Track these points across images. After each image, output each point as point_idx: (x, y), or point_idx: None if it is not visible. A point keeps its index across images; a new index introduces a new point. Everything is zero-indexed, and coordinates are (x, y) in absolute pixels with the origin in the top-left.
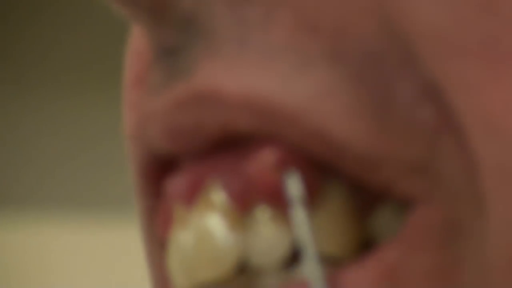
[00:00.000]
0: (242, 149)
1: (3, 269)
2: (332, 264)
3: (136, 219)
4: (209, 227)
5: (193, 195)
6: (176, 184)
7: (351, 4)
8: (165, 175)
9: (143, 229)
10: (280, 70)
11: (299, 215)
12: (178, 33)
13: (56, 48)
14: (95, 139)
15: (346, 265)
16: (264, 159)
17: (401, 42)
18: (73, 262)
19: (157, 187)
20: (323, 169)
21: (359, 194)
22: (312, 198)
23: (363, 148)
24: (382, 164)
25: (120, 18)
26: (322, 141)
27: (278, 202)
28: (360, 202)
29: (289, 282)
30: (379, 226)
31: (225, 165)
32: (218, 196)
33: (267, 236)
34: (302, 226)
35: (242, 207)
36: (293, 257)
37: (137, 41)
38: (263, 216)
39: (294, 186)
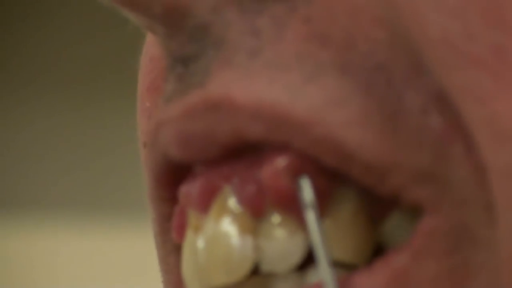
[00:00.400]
0: (255, 156)
1: (6, 272)
2: (345, 269)
3: (142, 223)
4: (223, 233)
5: (207, 202)
6: (190, 190)
7: (362, 14)
8: (180, 181)
9: (157, 234)
10: (290, 80)
11: (312, 219)
12: (191, 42)
13: (64, 53)
14: (102, 143)
15: (358, 269)
16: (276, 165)
17: (411, 52)
18: (77, 266)
19: (172, 193)
20: (334, 176)
21: (371, 200)
22: (324, 204)
23: (373, 157)
24: (391, 172)
25: (130, 25)
26: (331, 149)
27: (291, 208)
28: (372, 208)
29: (302, 287)
30: (391, 232)
31: (238, 172)
32: (232, 202)
33: (280, 241)
34: (315, 230)
35: (255, 213)
36: (306, 261)
37: (152, 48)
38: (276, 222)
39: (306, 190)
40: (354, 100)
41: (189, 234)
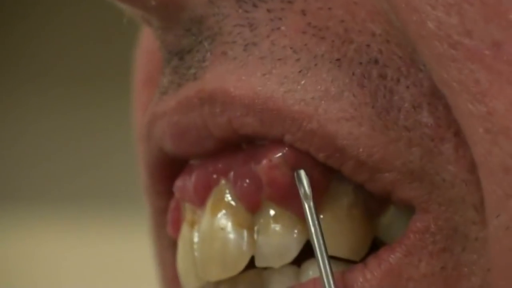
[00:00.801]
0: (251, 150)
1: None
2: (341, 264)
3: (141, 220)
4: (219, 227)
5: (203, 196)
6: (185, 184)
7: (358, 8)
8: (175, 175)
9: (153, 229)
10: (285, 73)
11: (310, 211)
12: (187, 35)
13: (64, 52)
14: (105, 142)
15: (352, 266)
16: (272, 160)
17: (407, 46)
18: (77, 265)
19: (167, 187)
20: (330, 171)
21: (367, 196)
22: (320, 199)
23: (364, 152)
24: (382, 169)
25: (131, 23)
26: (323, 143)
27: (287, 202)
28: (368, 203)
29: (300, 282)
30: (387, 227)
31: (235, 166)
32: (228, 196)
33: (276, 236)
34: (312, 222)
35: (251, 207)
36: (301, 254)
37: (147, 41)
38: (272, 216)
39: (304, 183)
40: (347, 94)
41: (185, 229)
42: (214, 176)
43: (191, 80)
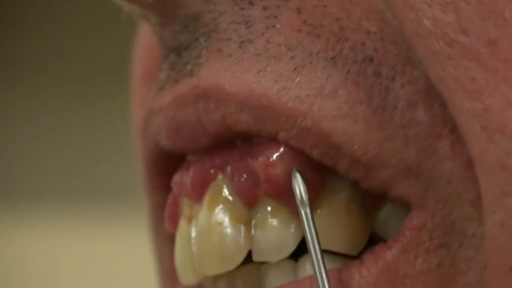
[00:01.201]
0: (248, 147)
1: (2, 267)
2: (339, 259)
3: (140, 217)
4: (216, 222)
5: (201, 191)
6: (183, 179)
7: (353, 6)
8: (173, 170)
9: (151, 224)
10: (280, 70)
11: (304, 212)
12: (183, 31)
13: (64, 51)
14: (105, 140)
15: (349, 263)
16: (270, 156)
17: (402, 44)
18: (78, 264)
19: (165, 182)
20: (328, 166)
21: (364, 191)
22: (317, 194)
23: (359, 150)
24: (377, 167)
25: (129, 20)
26: (317, 140)
27: (284, 198)
28: (366, 199)
29: (297, 280)
30: (384, 222)
31: (232, 161)
32: (225, 191)
33: (273, 231)
34: (307, 224)
35: (248, 202)
36: (298, 249)
37: (146, 38)
38: (269, 211)
39: (300, 187)
40: (342, 91)
41: (182, 224)
42: (212, 171)
43: (187, 76)
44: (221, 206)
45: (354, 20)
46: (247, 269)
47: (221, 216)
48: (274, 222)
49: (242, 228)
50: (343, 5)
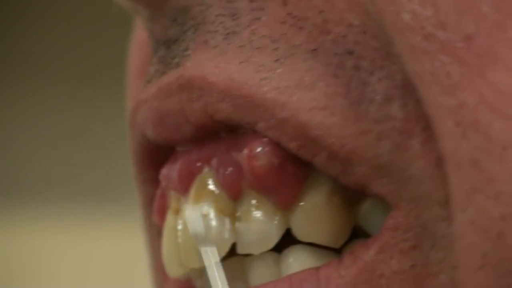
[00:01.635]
0: (234, 139)
1: (2, 266)
2: (322, 252)
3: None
4: (203, 215)
5: (187, 183)
6: (170, 173)
7: None
8: (161, 162)
9: (143, 217)
10: (262, 61)
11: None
12: (173, 25)
13: (63, 50)
14: (101, 137)
15: (330, 259)
16: (254, 148)
17: (382, 38)
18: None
19: (155, 174)
20: (311, 160)
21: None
22: (299, 187)
23: (336, 143)
24: (354, 162)
25: (128, 19)
26: (297, 132)
27: (268, 190)
28: (348, 191)
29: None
30: (367, 215)
31: (218, 154)
32: (211, 184)
33: (257, 223)
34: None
35: (233, 195)
36: (282, 241)
37: (140, 33)
38: (253, 204)
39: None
40: (321, 83)
41: (169, 217)
42: (198, 164)
43: (173, 68)
44: (206, 198)
45: (337, 12)
46: (231, 262)
47: (206, 208)
48: (258, 214)
49: (227, 220)
50: None
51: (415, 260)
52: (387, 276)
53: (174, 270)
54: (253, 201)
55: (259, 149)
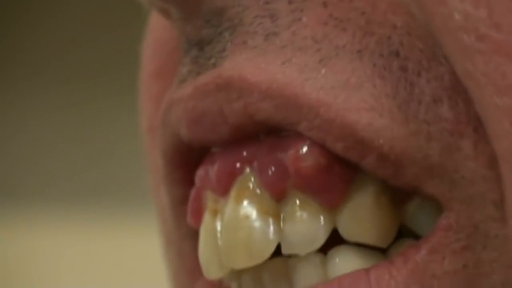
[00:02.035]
0: (274, 141)
1: (2, 267)
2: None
3: (141, 217)
4: (244, 215)
5: (227, 184)
6: (208, 173)
7: (379, 0)
8: (193, 163)
9: (171, 219)
10: (305, 61)
11: None
12: (207, 26)
13: (62, 49)
14: (106, 139)
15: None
16: (300, 149)
17: (429, 39)
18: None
19: (185, 175)
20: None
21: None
22: (345, 188)
23: (385, 143)
24: (404, 163)
25: (131, 21)
26: (343, 132)
27: (313, 191)
28: (395, 191)
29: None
30: (414, 215)
31: (259, 155)
32: (253, 184)
33: (302, 224)
34: None
35: (277, 195)
36: (328, 242)
37: (157, 31)
38: (298, 204)
39: None
40: (368, 84)
41: (207, 218)
42: (238, 164)
43: (210, 69)
44: (248, 199)
45: (380, 14)
46: (275, 263)
47: (249, 209)
48: (303, 214)
49: (271, 221)
50: None
51: (467, 260)
52: (438, 276)
53: (213, 272)
54: (298, 202)
55: (305, 150)
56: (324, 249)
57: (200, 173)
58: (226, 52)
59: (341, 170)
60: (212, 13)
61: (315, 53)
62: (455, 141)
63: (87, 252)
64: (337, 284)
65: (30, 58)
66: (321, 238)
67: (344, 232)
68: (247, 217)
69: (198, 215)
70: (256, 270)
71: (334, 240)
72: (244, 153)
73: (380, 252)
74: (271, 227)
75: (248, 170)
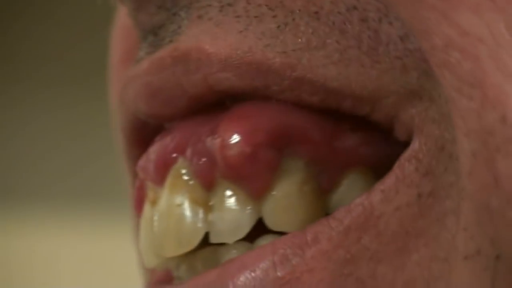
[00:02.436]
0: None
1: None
2: None
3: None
4: (176, 204)
5: (163, 174)
6: (147, 164)
7: None
8: (151, 139)
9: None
10: (262, 29)
11: None
12: (158, 12)
13: (59, 50)
14: (99, 138)
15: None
16: (226, 137)
17: None
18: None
19: (143, 151)
20: (284, 147)
21: (319, 172)
22: (272, 175)
23: (359, 89)
24: (380, 96)
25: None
26: (315, 87)
27: (241, 180)
28: (321, 180)
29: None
30: (339, 203)
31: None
32: (185, 174)
33: (230, 213)
34: None
35: (206, 185)
36: (254, 230)
37: (123, 20)
38: (226, 194)
39: None
40: (330, 41)
41: (147, 208)
42: (173, 155)
43: (165, 46)
44: (180, 188)
45: None
46: (205, 251)
47: (181, 198)
48: (230, 203)
49: (200, 210)
50: None
51: (423, 188)
52: (388, 214)
53: (150, 261)
54: (227, 191)
55: (231, 138)
56: (252, 237)
57: (140, 163)
58: (182, 29)
59: (265, 158)
60: None
61: (271, 20)
62: (430, 67)
63: (86, 252)
64: (269, 249)
65: (28, 58)
66: (246, 226)
67: (269, 221)
68: (178, 206)
69: (141, 205)
70: (190, 259)
71: (265, 228)
72: (178, 142)
73: None
74: (200, 216)
75: (181, 160)
